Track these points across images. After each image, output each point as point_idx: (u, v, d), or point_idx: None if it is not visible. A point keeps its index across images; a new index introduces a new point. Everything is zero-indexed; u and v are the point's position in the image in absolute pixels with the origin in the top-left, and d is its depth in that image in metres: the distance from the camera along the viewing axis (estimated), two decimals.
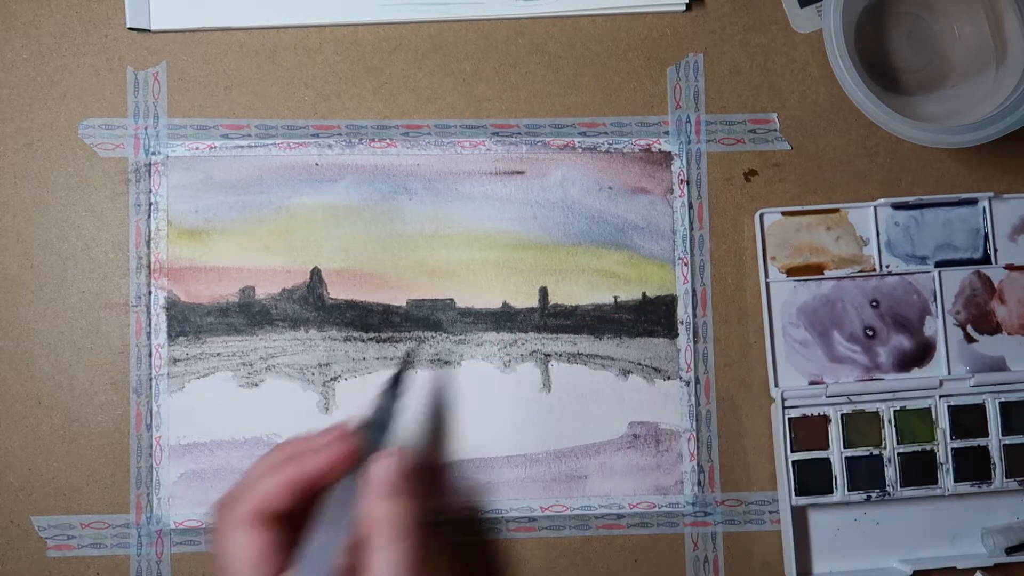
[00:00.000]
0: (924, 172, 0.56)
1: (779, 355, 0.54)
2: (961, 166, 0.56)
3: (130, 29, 0.54)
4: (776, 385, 0.54)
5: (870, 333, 0.54)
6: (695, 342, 0.55)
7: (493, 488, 0.54)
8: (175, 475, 0.53)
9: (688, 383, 0.54)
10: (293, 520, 0.42)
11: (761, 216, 0.54)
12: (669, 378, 0.54)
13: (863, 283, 0.55)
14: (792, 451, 0.53)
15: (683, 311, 0.55)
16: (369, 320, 0.54)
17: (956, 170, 0.56)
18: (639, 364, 0.54)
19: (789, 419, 0.53)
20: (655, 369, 0.54)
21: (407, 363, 0.51)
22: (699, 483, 0.54)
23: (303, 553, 0.41)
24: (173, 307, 0.53)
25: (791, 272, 0.54)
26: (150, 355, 0.53)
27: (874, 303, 0.54)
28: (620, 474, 0.54)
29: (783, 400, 0.53)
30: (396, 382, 0.48)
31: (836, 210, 0.55)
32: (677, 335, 0.55)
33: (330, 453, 0.43)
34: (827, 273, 0.55)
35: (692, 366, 0.54)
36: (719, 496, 0.54)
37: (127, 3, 0.54)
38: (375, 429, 0.46)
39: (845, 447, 0.53)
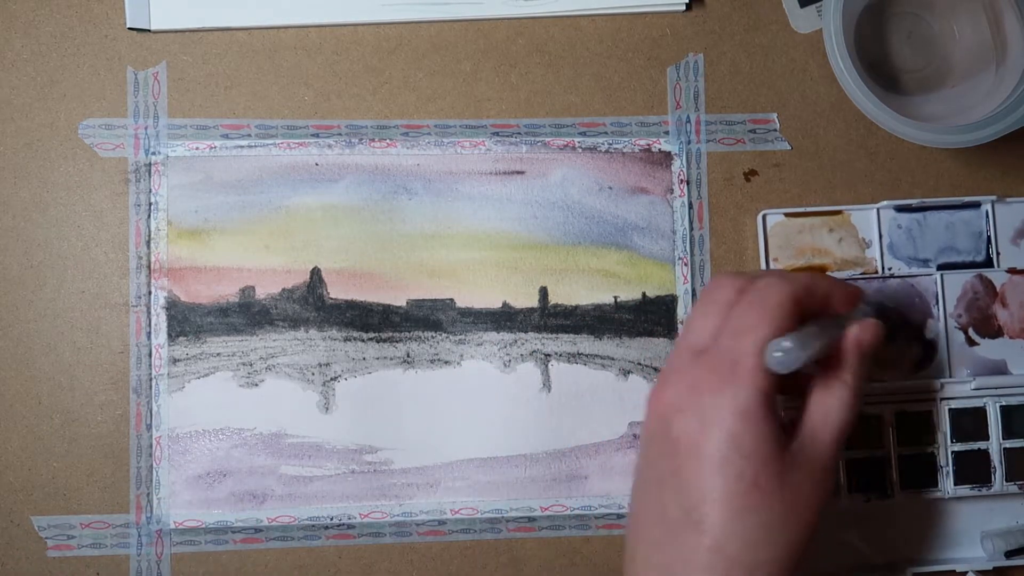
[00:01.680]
0: (924, 172, 0.56)
1: None
2: (961, 166, 0.56)
3: (130, 29, 0.54)
4: None
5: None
6: None
7: (493, 488, 0.54)
8: (175, 475, 0.53)
9: None
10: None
11: (764, 217, 0.54)
12: None
13: (865, 285, 0.55)
14: None
15: (683, 311, 0.55)
16: (369, 320, 0.54)
17: (956, 170, 0.56)
18: (639, 364, 0.54)
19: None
20: (655, 369, 0.54)
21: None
22: None
23: (798, 329, 0.43)
24: (173, 307, 0.53)
25: None
26: (150, 355, 0.53)
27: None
28: (620, 474, 0.54)
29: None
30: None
31: (839, 212, 0.55)
32: (677, 335, 0.55)
33: (850, 288, 0.47)
34: (829, 275, 0.54)
35: None
36: None
37: (127, 3, 0.54)
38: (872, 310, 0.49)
39: (845, 449, 0.53)
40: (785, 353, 0.41)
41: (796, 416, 0.45)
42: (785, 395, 0.47)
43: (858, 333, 0.45)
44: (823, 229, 0.55)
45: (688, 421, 0.42)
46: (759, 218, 0.54)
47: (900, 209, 0.55)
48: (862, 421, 0.53)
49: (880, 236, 0.55)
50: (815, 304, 0.45)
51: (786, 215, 0.55)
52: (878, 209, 0.54)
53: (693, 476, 0.42)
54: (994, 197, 0.54)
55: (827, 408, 0.44)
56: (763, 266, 0.54)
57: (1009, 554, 0.53)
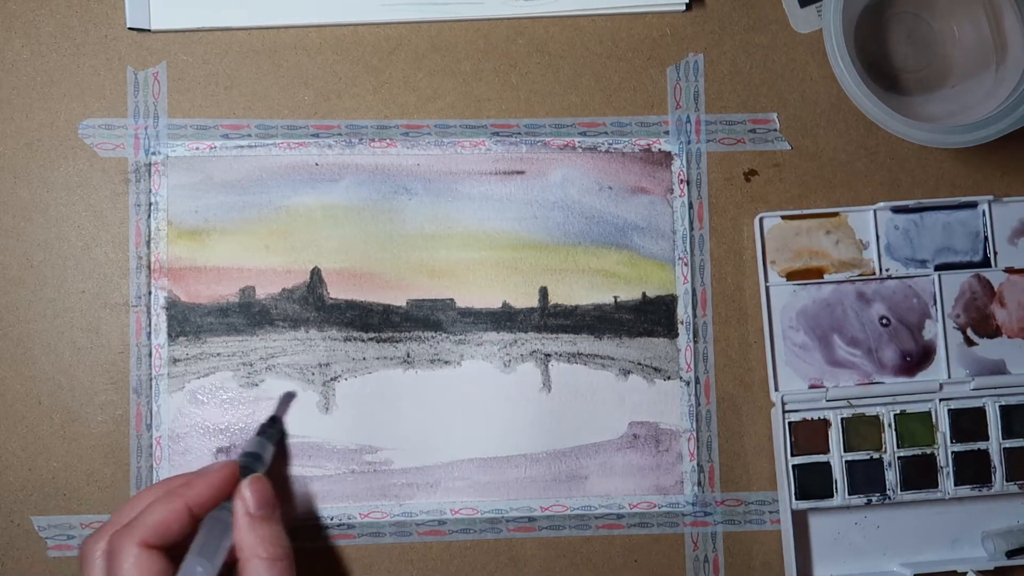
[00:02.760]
0: (924, 172, 0.56)
1: (779, 359, 0.54)
2: (961, 166, 0.56)
3: (130, 29, 0.54)
4: (776, 389, 0.54)
5: (885, 322, 0.54)
6: (695, 342, 0.55)
7: (493, 488, 0.54)
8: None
9: (688, 383, 0.54)
10: (172, 550, 0.44)
11: (761, 220, 0.54)
12: (669, 378, 0.54)
13: (863, 287, 0.55)
14: (792, 455, 0.53)
15: (683, 311, 0.55)
16: (369, 320, 0.54)
17: (956, 170, 0.56)
18: (639, 364, 0.54)
19: (789, 423, 0.53)
20: (655, 369, 0.54)
21: (285, 403, 0.53)
22: (699, 483, 0.54)
23: (192, 547, 0.42)
24: (173, 307, 0.53)
25: (791, 276, 0.54)
26: (150, 355, 0.53)
27: (884, 321, 0.54)
28: (620, 474, 0.54)
29: (783, 404, 0.53)
30: (273, 422, 0.52)
31: (835, 214, 0.55)
32: (677, 335, 0.55)
33: (212, 478, 0.45)
34: (827, 277, 0.54)
35: (692, 366, 0.54)
36: (719, 496, 0.54)
37: (127, 3, 0.54)
38: (251, 460, 0.48)
39: (845, 451, 0.53)
40: None
41: None
42: None
43: (242, 504, 0.44)
44: (820, 231, 0.55)
45: None
46: (756, 221, 0.54)
47: (897, 210, 0.55)
48: (862, 422, 0.53)
49: (877, 237, 0.55)
50: (183, 526, 0.43)
51: (783, 217, 0.55)
52: (875, 211, 0.54)
53: None
54: (991, 197, 0.55)
55: None
56: (760, 269, 0.54)
57: (1010, 554, 0.53)
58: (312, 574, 0.53)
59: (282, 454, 0.53)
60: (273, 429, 0.52)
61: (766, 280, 0.54)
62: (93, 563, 0.43)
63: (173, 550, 0.43)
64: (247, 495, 0.45)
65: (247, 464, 0.48)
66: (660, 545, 0.54)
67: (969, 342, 0.55)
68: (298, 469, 0.53)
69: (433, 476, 0.54)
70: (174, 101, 0.54)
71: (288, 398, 0.53)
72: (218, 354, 0.53)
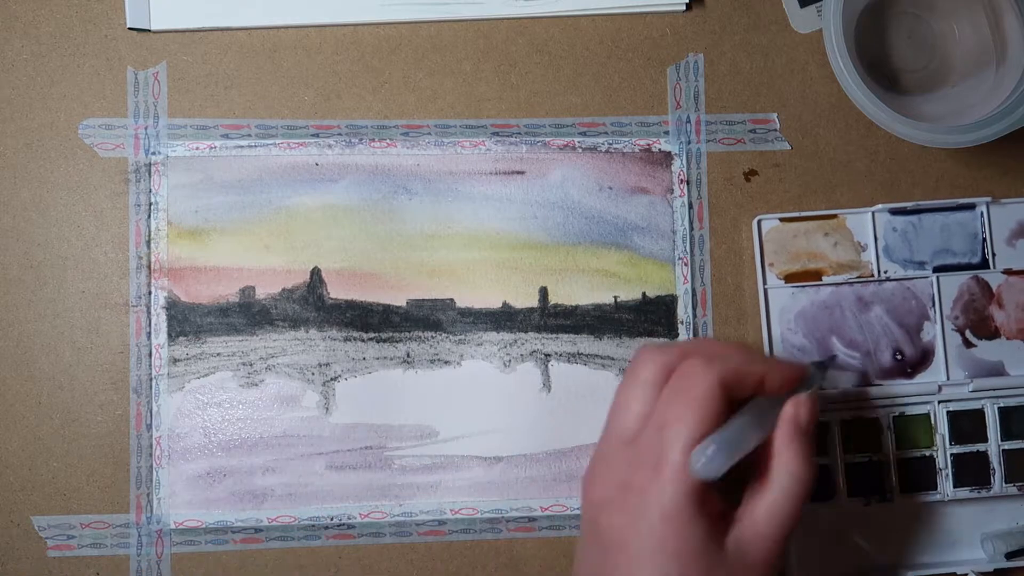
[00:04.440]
0: (924, 172, 0.56)
1: None
2: (961, 166, 0.56)
3: (130, 29, 0.54)
4: None
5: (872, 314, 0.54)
6: None
7: (493, 488, 0.54)
8: (175, 475, 0.53)
9: None
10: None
11: (759, 222, 0.54)
12: None
13: (861, 289, 0.55)
14: None
15: (683, 311, 0.55)
16: (369, 320, 0.54)
17: (956, 170, 0.56)
18: None
19: None
20: None
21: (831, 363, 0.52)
22: None
23: (722, 431, 0.41)
24: (173, 307, 0.53)
25: (789, 278, 0.54)
26: (150, 355, 0.53)
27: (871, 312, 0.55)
28: None
29: None
30: (831, 361, 0.52)
31: (834, 216, 0.55)
32: (677, 335, 0.55)
33: (791, 367, 0.45)
34: (825, 279, 0.54)
35: None
36: None
37: (127, 3, 0.54)
38: (817, 372, 0.47)
39: (844, 453, 0.53)
40: (709, 459, 0.40)
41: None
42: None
43: (793, 413, 0.43)
44: (818, 233, 0.55)
45: (615, 517, 0.42)
46: (754, 223, 0.54)
47: (895, 212, 0.55)
48: (861, 424, 0.53)
49: (875, 239, 0.55)
50: (747, 389, 0.43)
51: (781, 220, 0.54)
52: (873, 212, 0.54)
53: (620, 571, 0.41)
54: (989, 199, 0.55)
55: (769, 502, 0.42)
56: (758, 272, 0.54)
57: (1009, 555, 0.53)
58: (312, 574, 0.53)
59: None
60: (823, 373, 0.49)
61: (764, 282, 0.54)
62: (646, 368, 0.43)
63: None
64: (803, 406, 0.44)
65: (813, 376, 0.46)
66: None
67: (968, 344, 0.55)
68: (298, 469, 0.53)
69: (433, 476, 0.54)
70: (174, 101, 0.54)
71: (832, 360, 0.53)
72: (218, 354, 0.53)
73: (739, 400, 0.43)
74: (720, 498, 0.42)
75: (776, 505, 0.42)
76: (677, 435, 0.41)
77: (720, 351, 0.44)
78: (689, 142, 0.55)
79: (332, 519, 0.53)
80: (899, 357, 0.54)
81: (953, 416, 0.54)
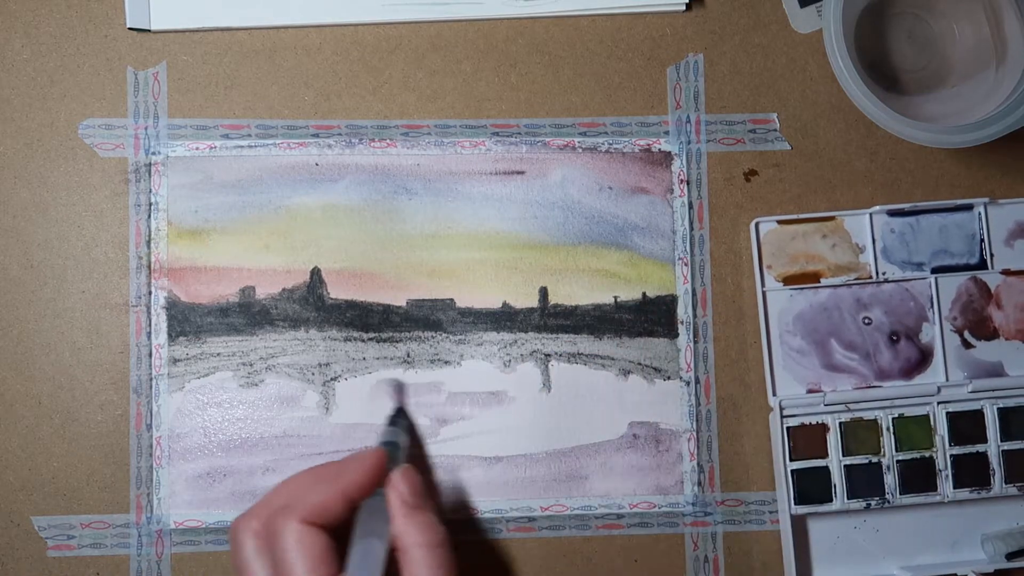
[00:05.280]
0: (924, 172, 0.56)
1: (776, 364, 0.54)
2: (961, 167, 0.56)
3: (130, 29, 0.54)
4: (774, 394, 0.54)
5: (867, 321, 0.54)
6: (695, 342, 0.55)
7: (493, 488, 0.54)
8: (175, 475, 0.53)
9: (688, 383, 0.54)
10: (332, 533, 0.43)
11: (757, 225, 0.54)
12: (669, 378, 0.54)
13: (859, 291, 0.55)
14: (791, 460, 0.53)
15: (683, 311, 0.55)
16: (369, 320, 0.54)
17: (956, 171, 0.56)
18: (639, 364, 0.54)
19: (787, 428, 0.53)
20: (655, 369, 0.54)
21: (399, 392, 0.53)
22: (699, 483, 0.54)
23: (350, 560, 0.42)
24: (173, 307, 0.53)
25: (787, 280, 0.54)
26: (150, 355, 0.53)
27: (866, 320, 0.54)
28: (620, 474, 0.54)
29: (781, 409, 0.53)
30: (399, 412, 0.52)
31: (831, 217, 0.55)
32: (677, 335, 0.55)
33: (366, 465, 0.45)
34: (823, 281, 0.54)
35: (692, 366, 0.54)
36: (719, 496, 0.54)
37: (127, 3, 0.54)
38: (393, 448, 0.48)
39: (844, 455, 0.53)
40: None
41: None
42: None
43: (396, 495, 0.44)
44: (816, 235, 0.55)
45: None
46: (752, 226, 0.54)
47: (893, 213, 0.55)
48: (861, 426, 0.53)
49: (873, 241, 0.55)
50: (338, 510, 0.43)
51: (779, 222, 0.54)
52: (871, 214, 0.54)
53: None
54: (987, 199, 0.55)
55: None
56: (757, 274, 0.54)
57: (1010, 556, 0.53)
58: None
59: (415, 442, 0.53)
60: (401, 419, 0.51)
61: (763, 285, 0.54)
62: (245, 544, 0.43)
63: (336, 530, 0.43)
64: (400, 485, 0.44)
65: (391, 453, 0.47)
66: (660, 545, 0.54)
67: (966, 345, 0.55)
68: (298, 469, 0.53)
69: (433, 476, 0.54)
70: (174, 101, 0.54)
71: (399, 387, 0.53)
72: (218, 354, 0.53)
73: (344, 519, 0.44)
74: None
75: None
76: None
77: (293, 490, 0.44)
78: (689, 142, 0.55)
79: None
80: (898, 358, 0.55)
81: (952, 417, 0.54)
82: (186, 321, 0.53)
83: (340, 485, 0.44)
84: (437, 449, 0.54)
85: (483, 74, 0.55)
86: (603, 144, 0.55)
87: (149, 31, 0.54)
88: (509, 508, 0.54)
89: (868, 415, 0.54)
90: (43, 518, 0.53)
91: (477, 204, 0.55)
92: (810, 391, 0.54)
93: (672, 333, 0.55)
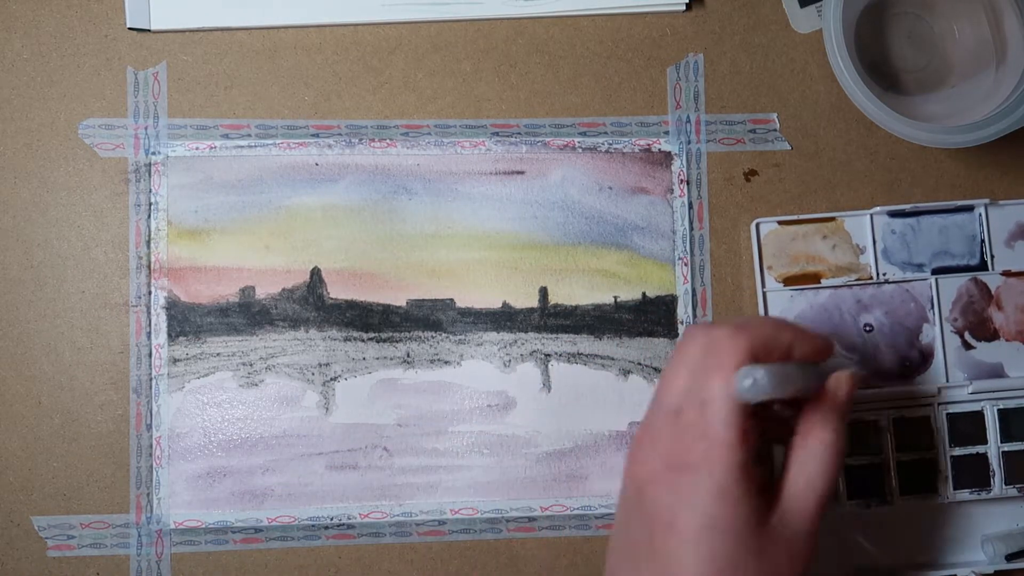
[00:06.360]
0: (924, 172, 0.56)
1: None
2: (961, 166, 0.56)
3: (130, 29, 0.54)
4: None
5: (868, 328, 0.54)
6: None
7: (493, 488, 0.54)
8: (175, 475, 0.53)
9: None
10: None
11: (757, 226, 0.54)
12: None
13: (860, 292, 0.55)
14: None
15: (683, 311, 0.55)
16: (369, 320, 0.54)
17: (956, 170, 0.56)
18: (639, 364, 0.54)
19: None
20: (655, 369, 0.54)
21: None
22: None
23: (767, 367, 0.42)
24: (173, 307, 0.53)
25: (788, 281, 0.54)
26: (150, 355, 0.53)
27: (867, 328, 0.54)
28: (620, 474, 0.54)
29: None
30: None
31: (832, 218, 0.55)
32: (677, 335, 0.55)
33: (819, 341, 0.45)
34: (824, 282, 0.54)
35: None
36: None
37: (127, 3, 0.54)
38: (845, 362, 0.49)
39: (845, 456, 0.53)
40: (755, 383, 0.41)
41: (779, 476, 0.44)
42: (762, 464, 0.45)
43: (833, 387, 0.44)
44: (817, 236, 0.55)
45: (662, 495, 0.42)
46: (752, 227, 0.54)
47: (893, 214, 0.55)
48: (860, 427, 0.53)
49: (874, 242, 0.55)
50: (776, 357, 0.43)
51: (779, 223, 0.54)
52: (871, 215, 0.54)
53: (668, 549, 0.41)
54: (987, 200, 0.54)
55: (808, 473, 0.43)
56: (757, 275, 0.54)
57: (1010, 557, 0.53)
58: (312, 574, 0.53)
59: None
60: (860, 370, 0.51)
61: (763, 286, 0.54)
62: (689, 347, 0.43)
63: None
64: (843, 383, 0.44)
65: (836, 363, 0.48)
66: None
67: (967, 346, 0.55)
68: (298, 469, 0.53)
69: (433, 476, 0.54)
70: (174, 101, 0.54)
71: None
72: (218, 354, 0.53)
73: None
74: (760, 473, 0.43)
75: (814, 476, 0.43)
76: (718, 411, 0.41)
77: (751, 320, 0.45)
78: (689, 142, 0.55)
79: (332, 519, 0.53)
80: (898, 360, 0.55)
81: (953, 418, 0.54)
82: (186, 321, 0.53)
83: (791, 335, 0.44)
84: (437, 450, 0.54)
85: (483, 74, 0.55)
86: (603, 144, 0.55)
87: (149, 31, 0.54)
88: (509, 508, 0.54)
89: (868, 416, 0.54)
90: (43, 518, 0.53)
91: (477, 204, 0.55)
92: None
93: (672, 333, 0.55)
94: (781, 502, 0.43)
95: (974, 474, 0.54)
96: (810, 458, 0.43)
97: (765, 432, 0.46)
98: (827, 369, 0.45)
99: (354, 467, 0.53)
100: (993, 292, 0.55)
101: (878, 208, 0.54)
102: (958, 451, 0.54)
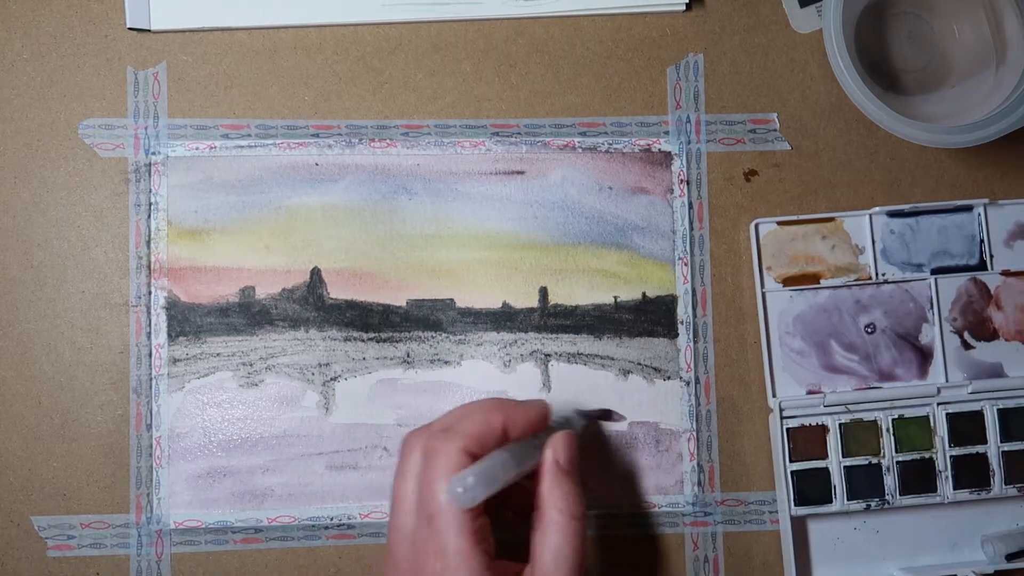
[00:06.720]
0: (924, 173, 0.56)
1: (776, 365, 0.54)
2: (961, 167, 0.56)
3: (130, 29, 0.54)
4: (774, 395, 0.54)
5: (870, 330, 0.54)
6: (695, 342, 0.55)
7: None
8: (175, 475, 0.53)
9: (688, 383, 0.54)
10: None
11: (756, 226, 0.54)
12: (669, 378, 0.54)
13: (859, 292, 0.55)
14: (791, 461, 0.53)
15: (683, 311, 0.55)
16: (369, 320, 0.54)
17: (956, 171, 0.56)
18: (639, 364, 0.54)
19: (787, 429, 0.53)
20: (655, 369, 0.54)
21: (607, 417, 0.54)
22: (699, 483, 0.54)
23: (477, 463, 0.42)
24: (173, 307, 0.53)
25: (787, 282, 0.54)
26: (150, 355, 0.53)
27: (869, 329, 0.54)
28: (620, 474, 0.54)
29: (781, 410, 0.53)
30: (587, 416, 0.52)
31: (831, 219, 0.55)
32: (677, 335, 0.55)
33: (531, 412, 0.46)
34: (823, 282, 0.54)
35: (692, 366, 0.54)
36: (719, 496, 0.54)
37: (127, 3, 0.54)
38: (563, 421, 0.49)
39: (844, 456, 0.53)
40: (468, 488, 0.41)
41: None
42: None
43: (552, 455, 0.45)
44: (816, 236, 0.55)
45: None
46: (752, 227, 0.54)
47: (893, 214, 0.55)
48: (860, 428, 0.53)
49: (873, 242, 0.55)
50: (492, 445, 0.44)
51: (779, 223, 0.54)
52: (870, 215, 0.54)
53: None
54: (986, 200, 0.55)
55: (553, 546, 0.43)
56: (757, 276, 0.54)
57: (1010, 557, 0.53)
58: (312, 574, 0.53)
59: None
60: (586, 419, 0.52)
61: (763, 286, 0.54)
62: (411, 457, 0.44)
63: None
64: (560, 447, 0.45)
65: (559, 422, 0.48)
66: (660, 545, 0.54)
67: (966, 346, 0.55)
68: (298, 469, 0.53)
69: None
70: (174, 101, 0.54)
71: (607, 415, 0.54)
72: (218, 354, 0.53)
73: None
74: (511, 565, 0.44)
75: (558, 547, 0.43)
76: (446, 524, 0.41)
77: (462, 414, 0.45)
78: (689, 142, 0.55)
79: (332, 519, 0.53)
80: (897, 360, 0.55)
81: (952, 418, 0.54)
82: (186, 321, 0.53)
83: (501, 416, 0.44)
84: None
85: (483, 74, 0.55)
86: (603, 144, 0.55)
87: (149, 31, 0.54)
88: None
89: (868, 416, 0.54)
90: (43, 518, 0.53)
91: (477, 204, 0.55)
92: (810, 392, 0.54)
93: (672, 333, 0.55)
94: None
95: (974, 474, 0.53)
96: (551, 530, 0.43)
97: (511, 506, 0.47)
98: (544, 438, 0.45)
99: (354, 467, 0.53)
100: (992, 292, 0.55)
101: (877, 208, 0.54)
102: (958, 451, 0.54)
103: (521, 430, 0.45)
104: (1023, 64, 0.52)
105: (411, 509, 0.43)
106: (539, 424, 0.46)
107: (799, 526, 0.54)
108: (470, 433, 0.43)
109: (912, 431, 0.54)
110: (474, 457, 0.43)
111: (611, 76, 0.55)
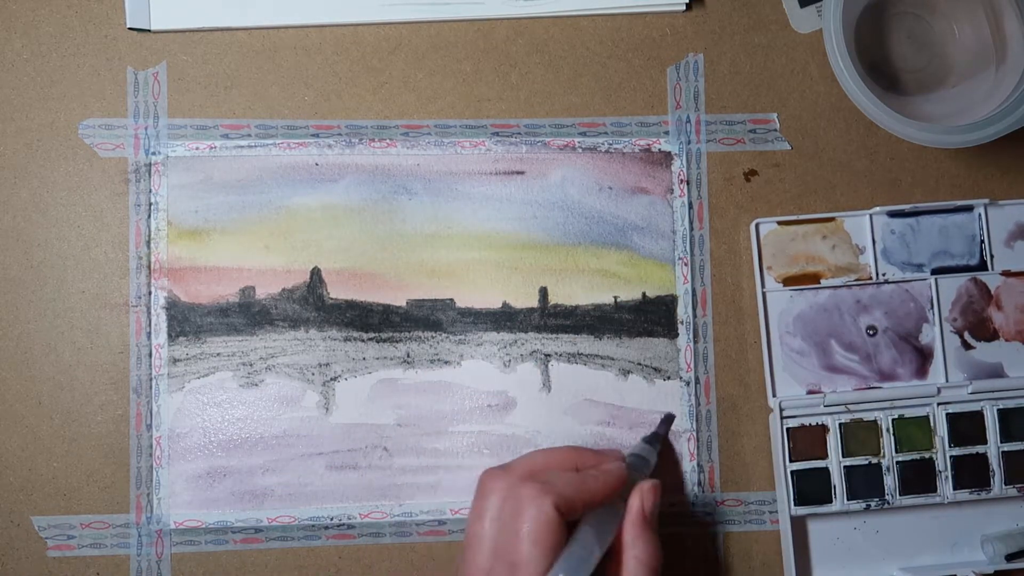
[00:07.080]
0: (924, 172, 0.56)
1: (776, 364, 0.54)
2: (961, 167, 0.56)
3: (130, 29, 0.54)
4: (774, 395, 0.54)
5: (871, 332, 0.54)
6: (695, 342, 0.55)
7: None
8: (175, 475, 0.53)
9: (688, 383, 0.54)
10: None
11: (757, 226, 0.54)
12: (669, 378, 0.54)
13: (859, 292, 0.55)
14: (791, 461, 0.53)
15: (683, 311, 0.55)
16: (369, 320, 0.54)
17: (956, 171, 0.56)
18: (639, 364, 0.54)
19: (787, 429, 0.53)
20: (655, 369, 0.54)
21: (667, 424, 0.53)
22: (699, 483, 0.54)
23: (564, 556, 0.43)
24: (173, 307, 0.53)
25: (787, 281, 0.54)
26: (150, 355, 0.53)
27: (871, 331, 0.54)
28: None
29: (781, 410, 0.53)
30: (656, 437, 0.52)
31: (831, 219, 0.55)
32: (677, 335, 0.55)
33: (611, 480, 0.46)
34: (823, 282, 0.54)
35: (692, 366, 0.54)
36: (719, 496, 0.54)
37: (127, 3, 0.54)
38: (640, 463, 0.50)
39: (844, 456, 0.53)
40: None
41: None
42: None
43: (639, 504, 0.46)
44: (816, 236, 0.55)
45: None
46: (752, 227, 0.54)
47: (893, 215, 0.55)
48: (860, 428, 0.53)
49: (873, 242, 0.55)
50: (580, 509, 0.45)
51: (779, 223, 0.54)
52: (871, 215, 0.54)
53: None
54: (987, 200, 0.55)
55: None
56: (757, 275, 0.54)
57: (1010, 557, 0.53)
58: (312, 574, 0.53)
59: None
60: (656, 443, 0.52)
61: (763, 286, 0.54)
62: (489, 499, 0.45)
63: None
64: (646, 498, 0.46)
65: (636, 465, 0.49)
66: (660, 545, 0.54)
67: (966, 346, 0.55)
68: (298, 469, 0.53)
69: (433, 476, 0.54)
70: (174, 101, 0.54)
71: (669, 419, 0.53)
72: (218, 354, 0.53)
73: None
74: None
75: None
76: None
77: (553, 464, 0.47)
78: (689, 142, 0.55)
79: (332, 519, 0.53)
80: (897, 360, 0.55)
81: (952, 418, 0.54)
82: (186, 321, 0.53)
83: (586, 491, 0.45)
84: (437, 449, 0.53)
85: (483, 74, 0.55)
86: (603, 144, 0.55)
87: (149, 31, 0.54)
88: None
89: (868, 416, 0.54)
90: (43, 518, 0.53)
91: (477, 204, 0.55)
92: (810, 392, 0.54)
93: (672, 333, 0.55)
94: None
95: (974, 474, 0.54)
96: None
97: None
98: (621, 504, 0.46)
99: (354, 467, 0.53)
100: (993, 292, 0.55)
101: (878, 208, 0.54)
102: (958, 451, 0.54)
103: (608, 497, 0.46)
104: (1023, 64, 0.52)
105: (488, 550, 0.44)
106: (620, 485, 0.46)
107: (799, 526, 0.54)
108: (563, 497, 0.44)
109: (912, 431, 0.54)
110: (561, 513, 0.43)
111: (611, 76, 0.55)
